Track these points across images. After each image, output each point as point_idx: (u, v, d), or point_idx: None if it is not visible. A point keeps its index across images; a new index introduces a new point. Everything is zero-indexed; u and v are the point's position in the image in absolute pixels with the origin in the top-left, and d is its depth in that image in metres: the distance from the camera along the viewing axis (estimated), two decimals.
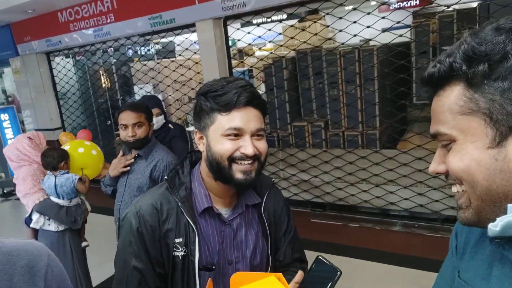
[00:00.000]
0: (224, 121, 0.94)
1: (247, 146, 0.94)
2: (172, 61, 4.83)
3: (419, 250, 3.07)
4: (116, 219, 2.26)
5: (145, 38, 4.59)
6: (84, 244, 2.69)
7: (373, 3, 3.53)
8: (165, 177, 1.06)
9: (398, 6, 5.36)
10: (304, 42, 3.96)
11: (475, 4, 3.75)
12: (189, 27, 4.12)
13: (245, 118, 0.94)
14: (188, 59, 4.49)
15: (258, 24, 4.12)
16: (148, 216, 1.00)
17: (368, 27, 3.28)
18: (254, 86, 0.99)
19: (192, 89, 4.79)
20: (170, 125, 2.90)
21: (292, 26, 4.38)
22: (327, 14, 3.74)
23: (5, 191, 6.26)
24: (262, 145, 0.98)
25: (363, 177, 3.68)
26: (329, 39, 4.15)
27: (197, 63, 4.36)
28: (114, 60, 5.71)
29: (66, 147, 2.77)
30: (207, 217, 1.04)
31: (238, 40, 4.13)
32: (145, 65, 5.10)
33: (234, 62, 4.39)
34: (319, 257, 0.92)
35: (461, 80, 0.53)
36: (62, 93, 5.97)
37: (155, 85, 5.25)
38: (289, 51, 4.15)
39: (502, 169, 0.50)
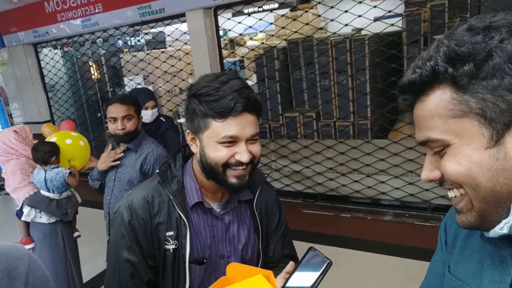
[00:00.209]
0: (219, 128, 0.92)
1: (243, 154, 0.92)
2: (163, 51, 4.77)
3: (410, 239, 3.11)
4: (106, 214, 2.20)
5: (134, 29, 4.52)
6: (76, 234, 2.70)
7: None
8: (157, 171, 1.05)
9: None
10: (296, 32, 3.93)
11: None
12: (179, 17, 4.05)
13: (240, 125, 0.92)
14: (179, 49, 4.43)
15: (249, 14, 4.07)
16: (140, 209, 1.00)
17: (360, 16, 3.27)
18: (249, 87, 0.96)
19: (183, 80, 4.74)
20: (162, 118, 2.87)
21: (283, 15, 4.35)
22: (319, 3, 3.71)
23: None
24: (256, 148, 0.97)
25: (355, 167, 3.70)
26: (321, 28, 4.12)
27: (188, 53, 4.31)
28: (103, 51, 5.61)
29: (52, 138, 2.71)
30: (198, 211, 1.04)
31: (229, 30, 4.07)
32: (135, 56, 5.03)
33: (225, 52, 4.35)
34: (312, 248, 0.92)
35: (446, 83, 0.52)
36: (50, 85, 5.88)
37: (146, 77, 5.18)
38: (280, 41, 4.12)
39: (504, 167, 0.50)
